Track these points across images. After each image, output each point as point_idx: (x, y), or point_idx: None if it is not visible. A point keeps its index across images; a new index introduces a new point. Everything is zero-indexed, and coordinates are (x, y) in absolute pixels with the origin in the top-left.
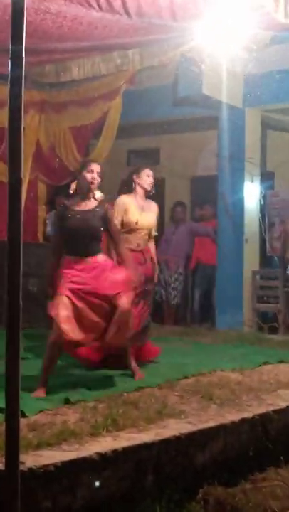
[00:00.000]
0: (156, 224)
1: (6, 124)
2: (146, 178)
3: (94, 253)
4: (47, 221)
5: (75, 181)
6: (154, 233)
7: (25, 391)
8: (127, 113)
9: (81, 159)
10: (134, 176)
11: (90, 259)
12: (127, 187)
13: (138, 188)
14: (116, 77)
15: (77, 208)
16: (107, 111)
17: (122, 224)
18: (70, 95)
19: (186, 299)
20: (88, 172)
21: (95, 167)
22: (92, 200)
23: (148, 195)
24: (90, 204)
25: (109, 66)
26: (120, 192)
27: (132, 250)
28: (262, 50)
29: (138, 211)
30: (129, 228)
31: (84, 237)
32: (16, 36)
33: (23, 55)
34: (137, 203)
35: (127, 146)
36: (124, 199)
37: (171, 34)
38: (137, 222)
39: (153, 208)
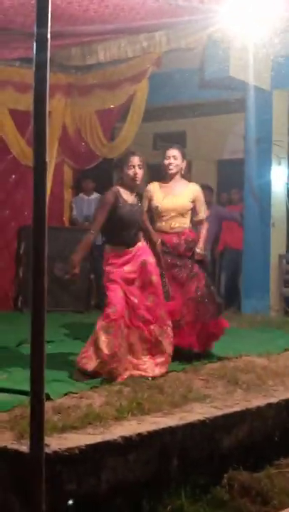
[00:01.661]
0: (196, 204)
1: (31, 108)
2: (166, 161)
3: (136, 242)
4: (73, 205)
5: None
6: (202, 215)
7: (50, 374)
8: (154, 96)
9: (118, 156)
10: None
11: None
12: (160, 172)
13: (165, 171)
14: (142, 59)
15: (126, 199)
16: (133, 94)
17: (148, 210)
18: (96, 78)
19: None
20: (129, 168)
21: (135, 161)
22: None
23: (183, 176)
24: (134, 197)
25: (136, 49)
26: (150, 177)
27: (165, 232)
28: None
29: (162, 196)
30: (156, 213)
31: (131, 229)
32: (41, 20)
33: (49, 38)
34: (164, 188)
35: (153, 130)
36: (150, 186)
37: (198, 16)
38: (158, 208)
39: (184, 189)
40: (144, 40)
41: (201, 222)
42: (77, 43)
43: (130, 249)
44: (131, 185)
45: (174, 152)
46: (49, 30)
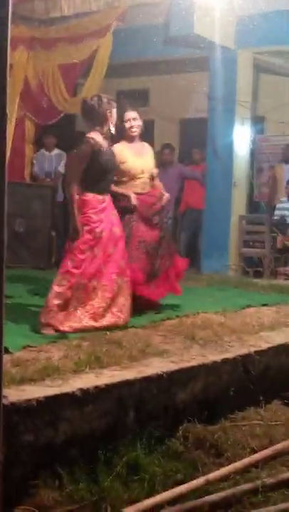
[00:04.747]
0: (154, 163)
1: None
2: (127, 124)
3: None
4: (34, 161)
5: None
6: (156, 170)
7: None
8: (117, 52)
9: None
10: (121, 122)
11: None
12: (118, 133)
13: (127, 134)
14: (106, 14)
15: (104, 145)
16: (97, 49)
17: (122, 172)
18: (60, 32)
19: (174, 242)
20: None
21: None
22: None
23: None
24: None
25: (100, 3)
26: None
27: (140, 194)
28: None
29: (135, 158)
30: (131, 175)
31: (110, 174)
32: None
33: None
34: (133, 150)
35: (117, 87)
36: (119, 148)
37: None
38: (130, 170)
39: (147, 149)
40: None
41: (154, 176)
42: None
43: (107, 196)
44: (106, 132)
45: (133, 114)
46: None
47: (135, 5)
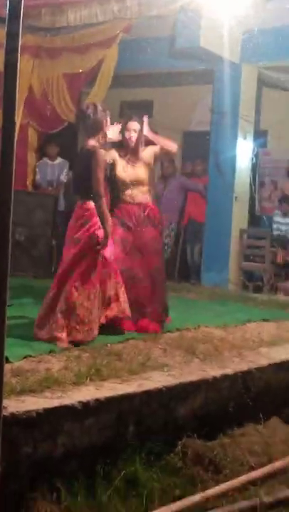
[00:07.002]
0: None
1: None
2: (127, 134)
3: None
4: (36, 169)
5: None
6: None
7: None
8: (122, 63)
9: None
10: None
11: None
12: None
13: (125, 143)
14: (112, 25)
15: None
16: (102, 59)
17: (111, 178)
18: (65, 41)
19: (175, 255)
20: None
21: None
22: None
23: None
24: None
25: (107, 13)
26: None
27: (128, 203)
28: (261, 5)
29: (125, 168)
30: (120, 187)
31: None
32: None
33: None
34: (125, 159)
35: (120, 97)
36: (111, 153)
37: None
38: (125, 179)
39: (143, 155)
40: (116, 5)
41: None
42: (47, 4)
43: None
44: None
45: (135, 125)
46: None
47: (142, 17)
